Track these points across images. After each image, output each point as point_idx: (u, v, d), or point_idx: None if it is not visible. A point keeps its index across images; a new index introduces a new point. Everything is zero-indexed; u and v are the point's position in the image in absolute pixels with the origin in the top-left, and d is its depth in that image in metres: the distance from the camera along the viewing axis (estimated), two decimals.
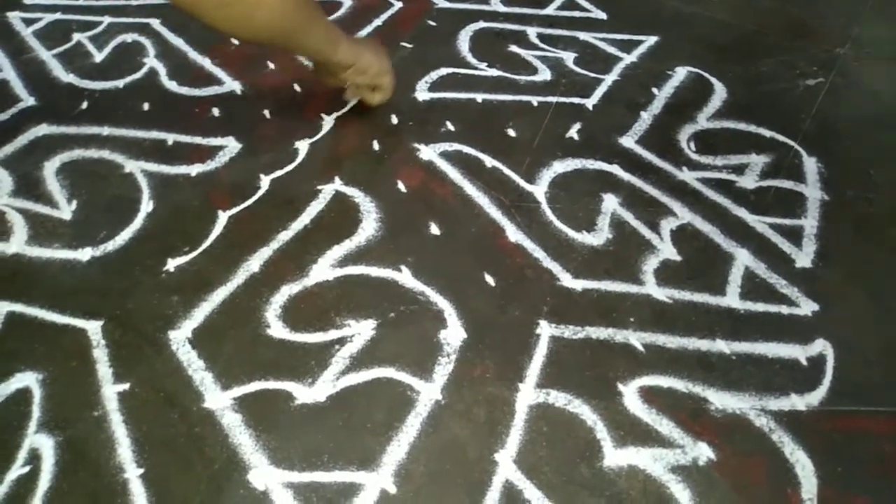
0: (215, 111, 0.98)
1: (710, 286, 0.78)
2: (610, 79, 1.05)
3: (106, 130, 0.94)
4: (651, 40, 1.13)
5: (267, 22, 0.75)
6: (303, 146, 0.93)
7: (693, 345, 0.73)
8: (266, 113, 0.98)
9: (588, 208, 0.86)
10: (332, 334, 0.72)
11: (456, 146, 0.93)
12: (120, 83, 1.02)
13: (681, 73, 1.07)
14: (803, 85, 1.06)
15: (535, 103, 1.01)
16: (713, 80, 1.06)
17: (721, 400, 0.68)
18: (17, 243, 0.80)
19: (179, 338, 0.71)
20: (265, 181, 0.88)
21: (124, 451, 0.63)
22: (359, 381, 0.68)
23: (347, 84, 0.92)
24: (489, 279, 0.78)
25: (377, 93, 0.94)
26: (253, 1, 0.72)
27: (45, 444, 0.63)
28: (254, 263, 0.78)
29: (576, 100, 1.01)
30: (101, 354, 0.70)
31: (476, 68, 1.06)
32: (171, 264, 0.78)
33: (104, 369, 0.69)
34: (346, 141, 0.94)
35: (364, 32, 1.13)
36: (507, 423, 0.66)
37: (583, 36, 1.14)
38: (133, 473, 0.61)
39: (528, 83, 1.04)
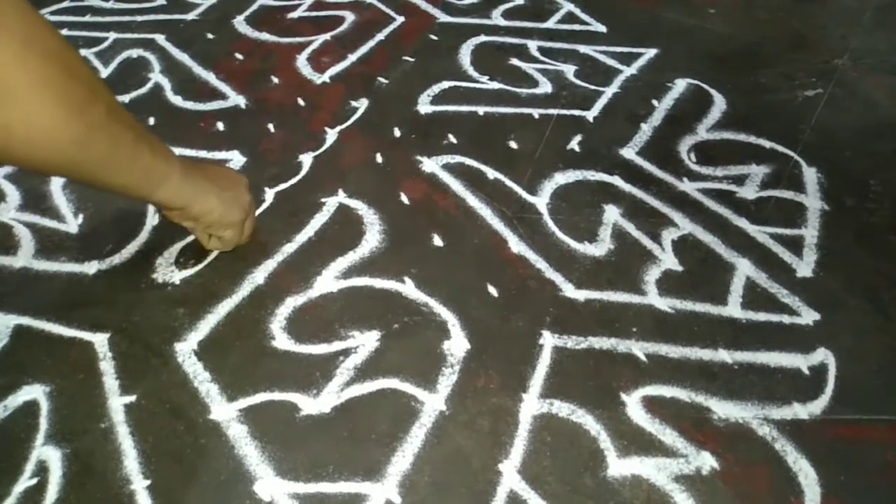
0: (220, 125, 0.99)
1: (711, 296, 0.78)
2: (610, 91, 1.06)
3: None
4: (651, 53, 1.14)
5: (21, 154, 0.54)
6: (307, 159, 0.94)
7: (695, 354, 0.73)
8: (270, 127, 0.99)
9: (590, 219, 0.87)
10: (337, 346, 0.73)
11: (458, 158, 0.94)
12: (126, 98, 1.03)
13: (680, 85, 1.08)
14: (802, 96, 1.07)
15: (537, 116, 1.01)
16: (713, 91, 1.07)
17: (724, 409, 0.68)
18: (25, 257, 0.81)
19: (185, 350, 0.72)
20: (269, 194, 0.89)
21: (131, 462, 0.63)
22: (363, 392, 0.69)
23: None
24: (492, 290, 0.78)
25: (213, 240, 0.78)
26: (3, 126, 0.50)
27: (53, 457, 0.64)
28: (259, 276, 0.79)
29: (576, 112, 1.02)
30: (107, 367, 0.70)
31: (477, 81, 1.08)
32: (177, 277, 0.79)
33: (111, 381, 0.69)
34: (350, 154, 0.95)
35: (367, 47, 1.14)
36: (511, 434, 0.66)
37: (583, 49, 1.15)
38: (140, 485, 0.62)
39: (529, 96, 1.05)
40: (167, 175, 0.65)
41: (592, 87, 1.07)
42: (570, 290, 0.78)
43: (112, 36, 1.16)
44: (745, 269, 0.81)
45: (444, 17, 1.21)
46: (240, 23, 1.19)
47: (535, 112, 1.02)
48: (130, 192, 0.65)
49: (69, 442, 0.65)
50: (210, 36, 1.16)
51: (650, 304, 0.77)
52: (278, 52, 1.12)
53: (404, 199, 0.89)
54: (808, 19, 1.23)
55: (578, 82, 1.08)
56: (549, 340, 0.74)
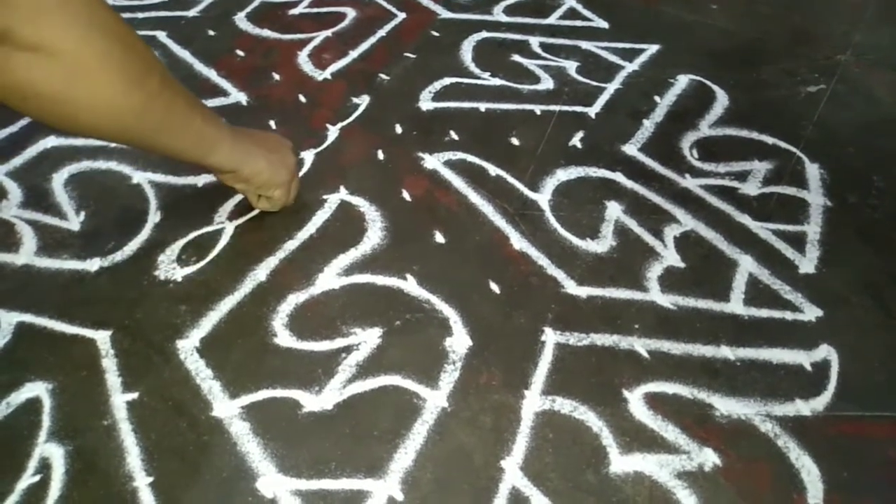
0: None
1: (714, 292, 0.78)
2: (612, 87, 1.06)
3: (113, 142, 0.95)
4: (653, 49, 1.14)
5: (89, 123, 0.60)
6: (308, 156, 0.94)
7: (698, 351, 0.73)
8: (272, 124, 0.98)
9: (592, 216, 0.86)
10: (339, 342, 0.73)
11: (460, 155, 0.94)
12: None
13: (682, 81, 1.07)
14: (805, 92, 1.06)
15: (538, 112, 1.01)
16: (715, 87, 1.06)
17: (726, 406, 0.68)
18: (27, 254, 0.81)
19: (187, 347, 0.72)
20: None
21: (134, 459, 0.63)
22: (365, 388, 0.69)
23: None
24: (494, 287, 0.78)
25: (262, 200, 0.82)
26: (62, 98, 0.56)
27: (56, 454, 0.64)
28: (260, 273, 0.79)
29: (578, 108, 1.02)
30: (110, 364, 0.70)
31: (479, 78, 1.07)
32: (179, 274, 0.79)
33: (113, 378, 0.69)
34: (351, 151, 0.95)
35: (368, 43, 1.14)
36: (513, 430, 0.66)
37: (585, 45, 1.15)
38: (143, 482, 0.62)
39: (530, 92, 1.05)
40: (218, 140, 0.70)
41: (594, 84, 1.07)
42: (572, 287, 0.78)
43: None
44: (747, 265, 0.81)
45: (445, 14, 1.21)
46: (241, 19, 1.19)
47: (537, 108, 1.02)
48: (186, 156, 0.70)
49: (72, 439, 0.65)
50: (211, 33, 1.16)
51: (652, 300, 0.77)
52: (279, 49, 1.12)
53: (406, 195, 0.89)
54: (811, 15, 1.23)
55: (580, 78, 1.07)
56: (551, 337, 0.74)
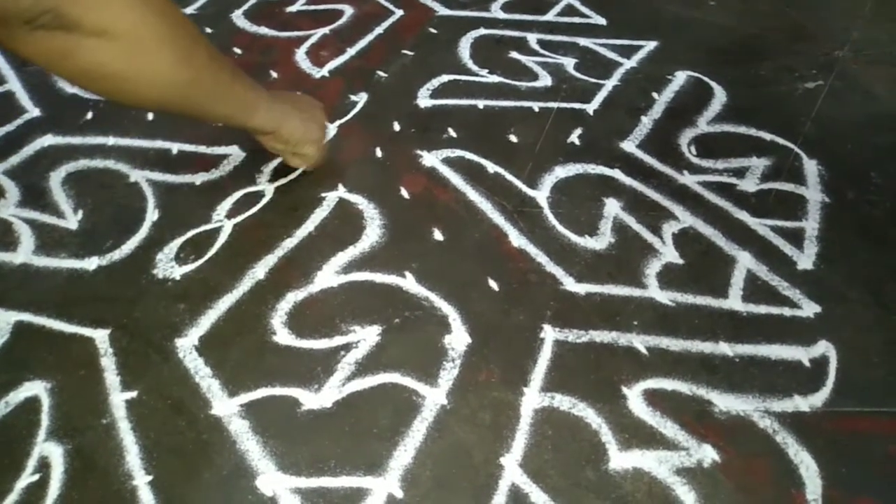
0: None
1: (712, 289, 0.78)
2: (610, 84, 1.06)
3: (111, 140, 0.94)
4: (651, 45, 1.14)
5: (150, 96, 0.66)
6: None
7: (696, 347, 0.73)
8: None
9: (590, 213, 0.86)
10: (338, 340, 0.73)
11: (458, 152, 0.94)
12: None
13: (681, 78, 1.07)
14: (803, 88, 1.06)
15: (537, 109, 1.01)
16: (713, 84, 1.06)
17: (725, 402, 0.69)
18: (25, 253, 0.81)
19: (186, 345, 0.72)
20: (269, 189, 0.88)
21: (133, 458, 0.63)
22: (365, 386, 0.69)
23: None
24: (493, 284, 0.78)
25: (297, 158, 0.87)
26: (125, 76, 0.62)
27: (55, 453, 0.64)
28: (259, 271, 0.79)
29: (577, 105, 1.02)
30: (108, 363, 0.70)
31: (477, 75, 1.07)
32: (177, 272, 0.79)
33: (112, 377, 0.69)
34: (349, 148, 0.95)
35: (366, 41, 1.14)
36: (513, 427, 0.66)
37: (583, 42, 1.14)
38: (142, 481, 0.62)
39: (529, 89, 1.05)
40: (258, 104, 0.76)
41: (592, 80, 1.06)
42: (570, 284, 0.78)
43: None
44: (745, 261, 0.81)
45: (443, 10, 1.21)
46: (238, 17, 1.19)
47: (535, 105, 1.02)
48: (231, 120, 0.76)
49: (71, 438, 0.65)
50: (208, 30, 1.15)
51: (651, 297, 0.77)
52: (277, 47, 1.12)
53: (404, 193, 0.89)
54: (809, 11, 1.23)
55: (578, 75, 1.07)
56: (550, 334, 0.74)
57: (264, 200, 0.87)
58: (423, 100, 1.03)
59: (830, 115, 1.01)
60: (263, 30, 1.16)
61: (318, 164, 0.89)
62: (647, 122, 0.99)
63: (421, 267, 0.79)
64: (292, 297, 0.76)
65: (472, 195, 0.88)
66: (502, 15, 1.20)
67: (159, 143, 0.94)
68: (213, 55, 0.68)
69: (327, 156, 0.90)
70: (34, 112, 0.99)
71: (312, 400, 0.68)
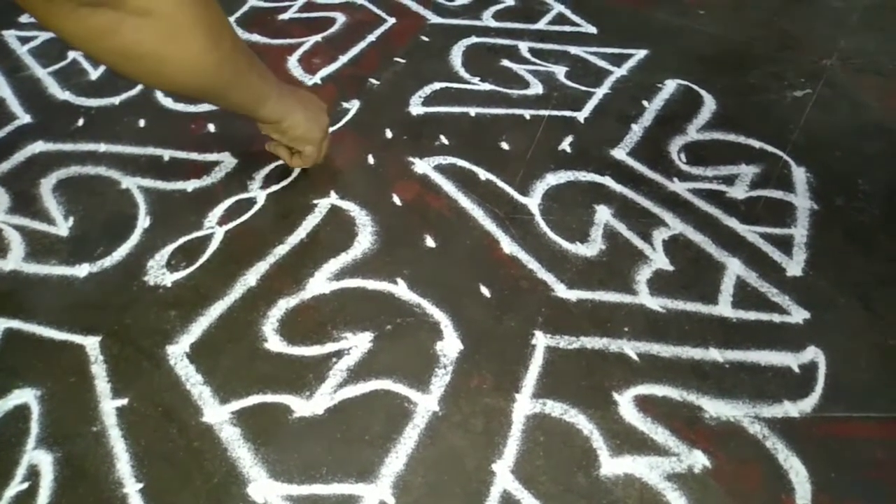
0: (211, 127, 0.98)
1: (702, 295, 0.79)
2: (601, 92, 1.07)
3: (102, 147, 0.94)
4: (641, 54, 1.15)
5: (177, 78, 0.68)
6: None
7: (687, 353, 0.73)
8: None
9: (581, 220, 0.87)
10: (330, 347, 0.73)
11: (450, 159, 0.94)
12: (116, 100, 1.03)
13: (671, 86, 1.08)
14: (791, 96, 1.07)
15: (528, 117, 1.02)
16: (702, 92, 1.07)
17: (715, 408, 0.69)
18: (15, 260, 0.80)
19: (177, 352, 0.72)
20: (261, 196, 0.88)
21: (123, 465, 0.63)
22: (356, 393, 0.69)
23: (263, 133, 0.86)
24: (484, 291, 0.78)
25: (296, 157, 0.89)
26: (159, 56, 0.64)
27: (44, 461, 0.63)
28: (251, 278, 0.79)
29: (567, 113, 1.03)
30: (99, 370, 0.70)
31: (469, 83, 1.08)
32: (169, 279, 0.78)
33: (102, 384, 0.69)
34: (341, 155, 0.95)
35: (357, 48, 1.14)
36: (505, 434, 0.66)
37: (574, 50, 1.15)
38: (132, 488, 0.62)
39: (520, 97, 1.05)
40: (269, 95, 0.77)
41: (583, 88, 1.07)
42: (562, 291, 0.79)
43: None
44: (735, 268, 0.82)
45: (434, 19, 1.22)
46: (230, 24, 1.19)
47: (527, 113, 1.02)
48: (243, 108, 0.78)
49: (61, 446, 0.64)
50: None
51: (641, 303, 0.78)
52: (269, 54, 1.12)
53: (396, 200, 0.89)
54: (797, 20, 1.24)
55: (569, 83, 1.08)
56: (541, 340, 0.74)
57: (256, 207, 0.87)
58: (416, 107, 1.03)
59: (819, 123, 1.02)
60: (256, 37, 1.16)
61: (316, 163, 0.90)
62: (637, 130, 1.00)
63: (413, 274, 0.80)
64: (284, 304, 0.76)
65: (464, 202, 0.88)
66: (494, 23, 1.21)
67: (151, 150, 0.94)
68: (237, 44, 0.70)
69: (328, 156, 0.91)
70: (25, 118, 0.99)
71: (304, 407, 0.68)
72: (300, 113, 0.82)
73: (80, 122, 0.98)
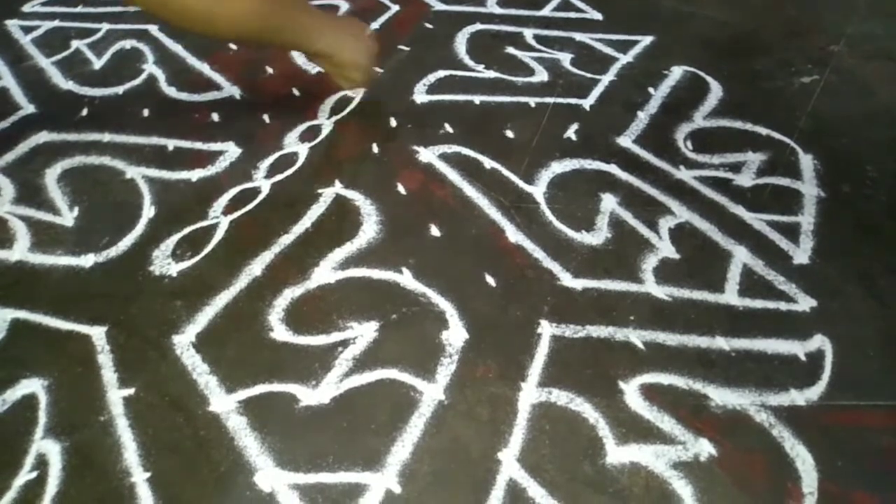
0: (215, 116, 0.98)
1: (708, 283, 0.79)
2: (606, 79, 1.06)
3: (106, 137, 0.94)
4: (647, 40, 1.14)
5: (230, 34, 0.77)
6: (302, 150, 0.93)
7: (693, 342, 0.73)
8: (265, 117, 0.98)
9: (587, 208, 0.87)
10: (335, 336, 0.73)
11: (455, 148, 0.94)
12: (119, 89, 1.03)
13: (677, 73, 1.07)
14: (798, 83, 1.07)
15: (533, 104, 1.01)
16: (709, 78, 1.06)
17: (721, 396, 0.69)
18: (20, 251, 0.81)
19: (183, 342, 0.72)
20: (266, 185, 0.88)
21: (131, 455, 0.63)
22: (362, 382, 0.69)
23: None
24: (490, 280, 0.78)
25: (344, 80, 0.97)
26: (210, 15, 0.73)
27: (52, 450, 0.64)
28: (256, 267, 0.79)
29: (573, 100, 1.02)
30: (105, 360, 0.70)
31: (473, 70, 1.07)
32: (174, 269, 0.78)
33: (109, 374, 0.69)
34: (346, 144, 0.95)
35: None
36: (510, 423, 0.66)
37: (579, 37, 1.14)
38: (140, 477, 0.62)
39: (525, 84, 1.05)
40: (320, 31, 0.87)
41: (588, 76, 1.06)
42: (567, 279, 0.79)
43: (105, 27, 1.15)
44: (741, 256, 0.81)
45: (438, 6, 1.21)
46: None
47: (532, 101, 1.02)
48: (298, 47, 0.89)
49: (68, 435, 0.65)
50: None
51: (647, 292, 0.78)
52: None
53: (401, 189, 0.88)
54: (805, 6, 1.23)
55: (574, 70, 1.07)
56: (547, 329, 0.74)
57: (261, 197, 0.87)
58: (420, 95, 1.02)
59: (826, 110, 1.01)
60: None
61: (364, 85, 0.98)
62: (643, 118, 0.99)
63: (418, 263, 0.80)
64: (289, 294, 0.76)
65: (469, 191, 0.88)
66: (498, 10, 1.20)
67: (155, 140, 0.94)
68: None
69: (370, 78, 0.98)
70: (29, 109, 0.99)
71: (310, 396, 0.68)
72: (347, 43, 0.90)
73: (84, 111, 0.98)
